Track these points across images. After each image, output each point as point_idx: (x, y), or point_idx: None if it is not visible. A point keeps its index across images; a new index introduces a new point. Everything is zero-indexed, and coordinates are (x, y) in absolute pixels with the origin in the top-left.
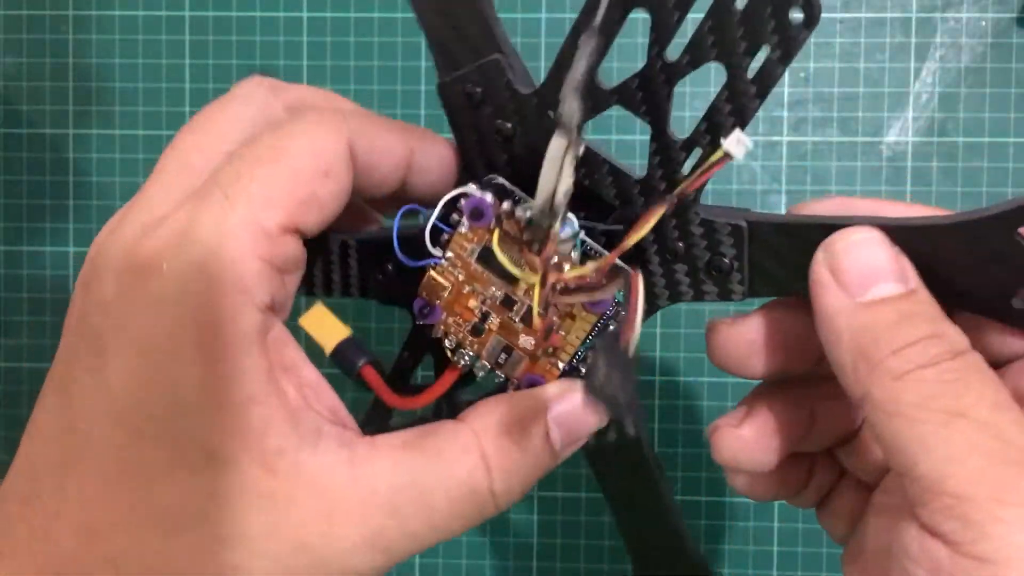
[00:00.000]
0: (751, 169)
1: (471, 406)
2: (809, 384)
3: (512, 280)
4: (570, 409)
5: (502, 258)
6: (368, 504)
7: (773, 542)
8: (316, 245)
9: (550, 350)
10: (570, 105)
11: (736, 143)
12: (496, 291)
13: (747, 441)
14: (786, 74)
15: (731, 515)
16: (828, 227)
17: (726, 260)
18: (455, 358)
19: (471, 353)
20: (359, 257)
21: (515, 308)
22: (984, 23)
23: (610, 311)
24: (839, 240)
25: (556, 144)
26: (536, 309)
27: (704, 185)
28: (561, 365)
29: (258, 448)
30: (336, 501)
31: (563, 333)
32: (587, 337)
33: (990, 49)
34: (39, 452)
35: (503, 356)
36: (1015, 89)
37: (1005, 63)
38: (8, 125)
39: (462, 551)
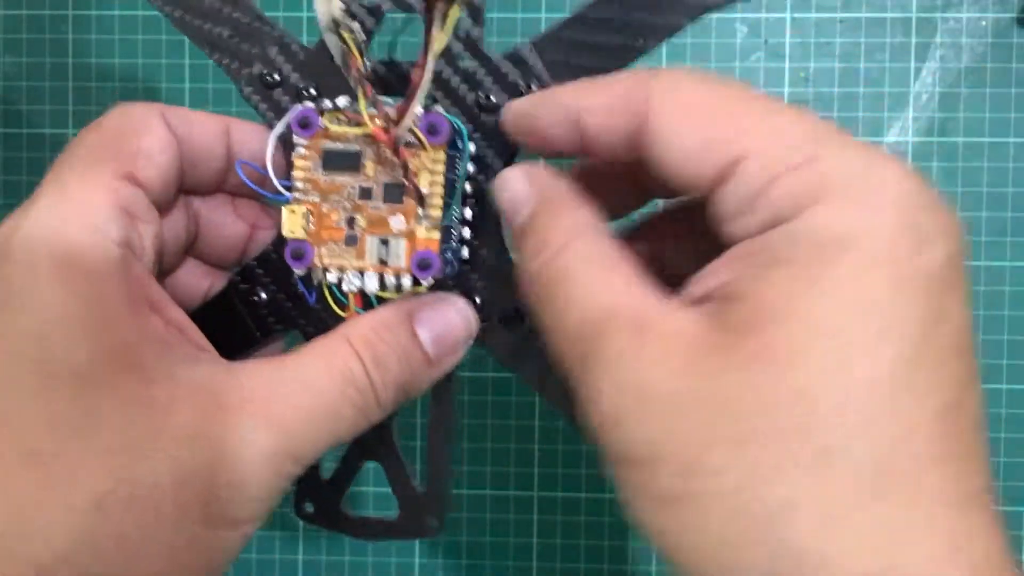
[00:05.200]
0: None
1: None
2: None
3: (359, 166)
4: (439, 317)
5: (338, 128)
6: (255, 397)
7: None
8: (222, 304)
9: (422, 214)
10: None
11: None
12: (351, 189)
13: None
14: (786, 74)
15: None
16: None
17: (521, 82)
18: (346, 288)
19: (354, 272)
20: (267, 282)
21: (373, 194)
22: (984, 23)
23: (459, 147)
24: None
25: None
26: (367, 115)
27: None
28: (437, 217)
29: (130, 362)
30: (223, 397)
31: (423, 185)
32: (446, 182)
33: (990, 49)
34: None
35: (383, 251)
36: (1015, 89)
37: (1005, 63)
38: (8, 125)
39: (462, 551)
